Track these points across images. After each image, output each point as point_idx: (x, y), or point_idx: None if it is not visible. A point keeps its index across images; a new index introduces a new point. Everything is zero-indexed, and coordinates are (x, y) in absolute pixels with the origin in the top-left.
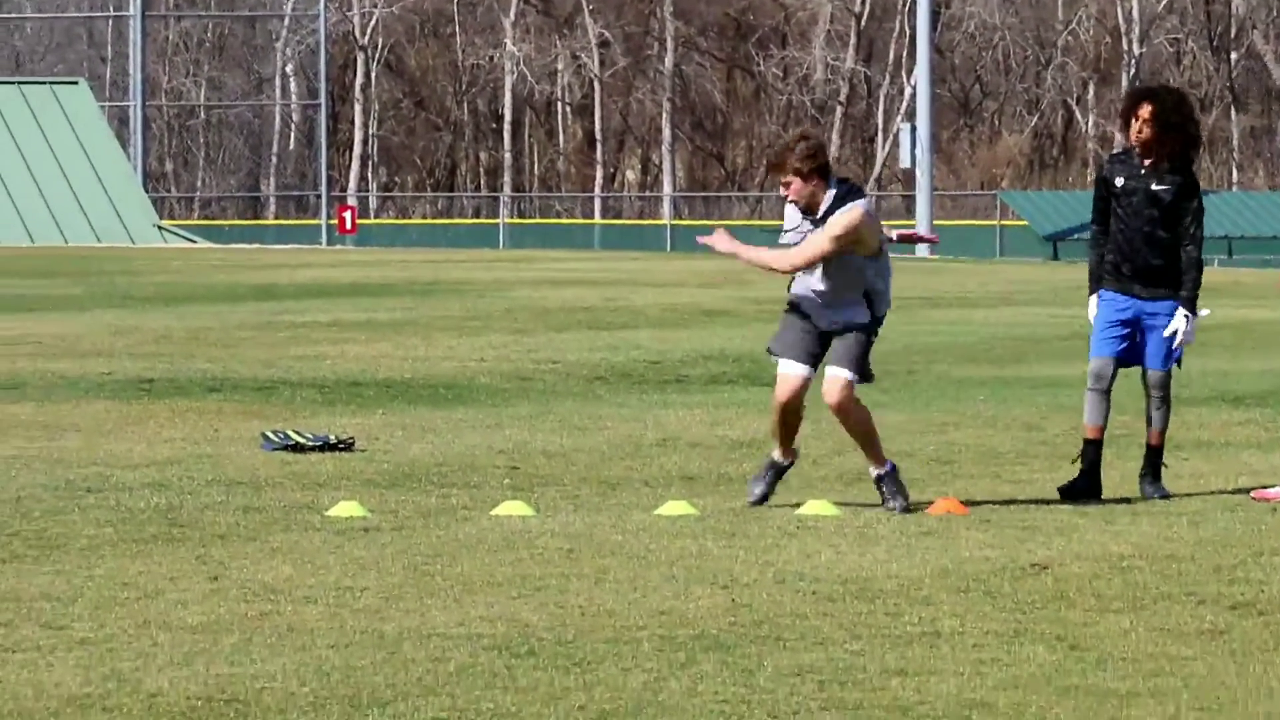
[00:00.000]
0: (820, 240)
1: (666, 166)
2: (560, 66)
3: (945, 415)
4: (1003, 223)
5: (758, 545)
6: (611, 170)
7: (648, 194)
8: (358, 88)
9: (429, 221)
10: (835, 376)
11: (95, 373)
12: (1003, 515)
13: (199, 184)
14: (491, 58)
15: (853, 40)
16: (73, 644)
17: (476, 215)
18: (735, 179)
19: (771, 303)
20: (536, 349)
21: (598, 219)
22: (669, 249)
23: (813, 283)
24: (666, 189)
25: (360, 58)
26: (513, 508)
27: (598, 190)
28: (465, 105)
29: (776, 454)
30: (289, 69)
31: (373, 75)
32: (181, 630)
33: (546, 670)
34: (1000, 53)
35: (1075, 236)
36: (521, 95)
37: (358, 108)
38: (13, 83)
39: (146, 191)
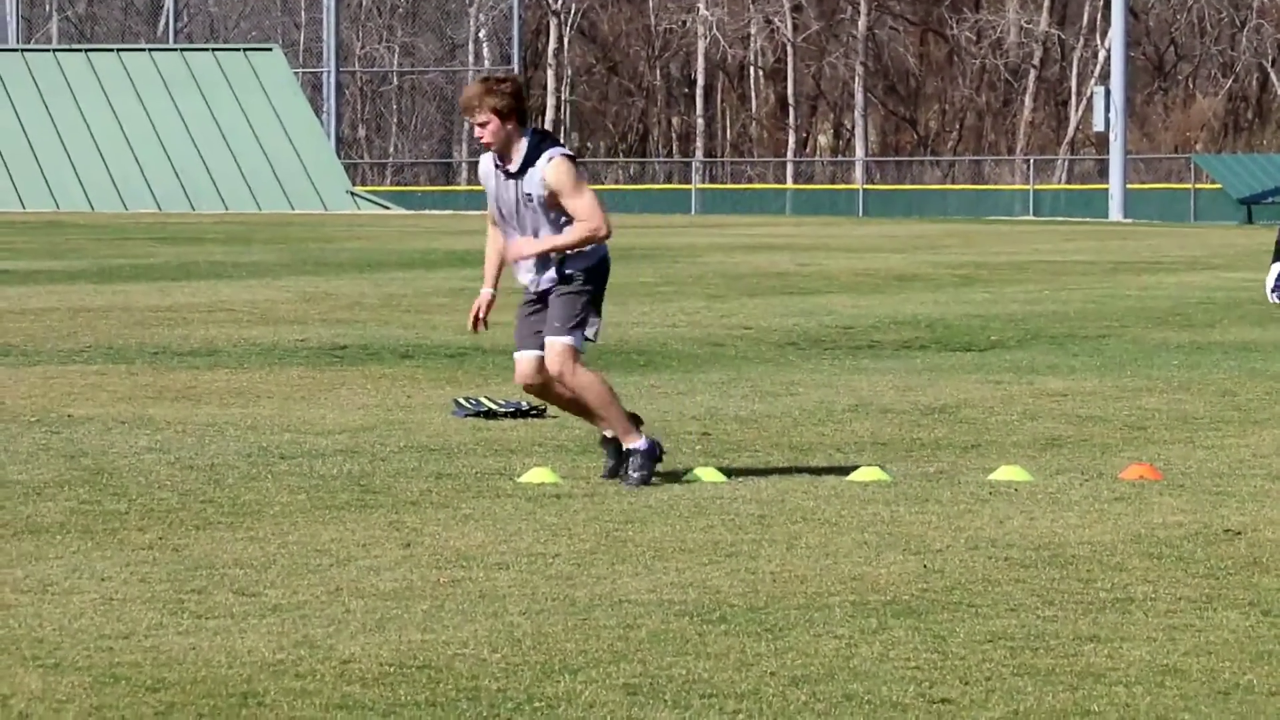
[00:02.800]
0: (584, 196)
1: (859, 131)
2: (753, 30)
3: (1138, 380)
4: (1197, 186)
5: (950, 511)
6: (803, 135)
7: (840, 159)
8: (550, 53)
9: (621, 187)
10: (550, 344)
11: (289, 340)
12: (1196, 481)
13: (391, 150)
14: (684, 22)
15: (1046, 3)
16: (265, 610)
17: (668, 180)
18: (928, 143)
19: (964, 266)
20: (729, 314)
21: (789, 184)
22: (861, 214)
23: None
24: (859, 153)
25: (553, 22)
26: (705, 473)
27: (790, 155)
28: (658, 70)
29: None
30: (482, 34)
31: (565, 40)
32: (373, 597)
33: (738, 636)
34: (1195, 15)
35: (1270, 200)
36: (714, 59)
37: (550, 73)
38: (207, 49)
39: (339, 158)
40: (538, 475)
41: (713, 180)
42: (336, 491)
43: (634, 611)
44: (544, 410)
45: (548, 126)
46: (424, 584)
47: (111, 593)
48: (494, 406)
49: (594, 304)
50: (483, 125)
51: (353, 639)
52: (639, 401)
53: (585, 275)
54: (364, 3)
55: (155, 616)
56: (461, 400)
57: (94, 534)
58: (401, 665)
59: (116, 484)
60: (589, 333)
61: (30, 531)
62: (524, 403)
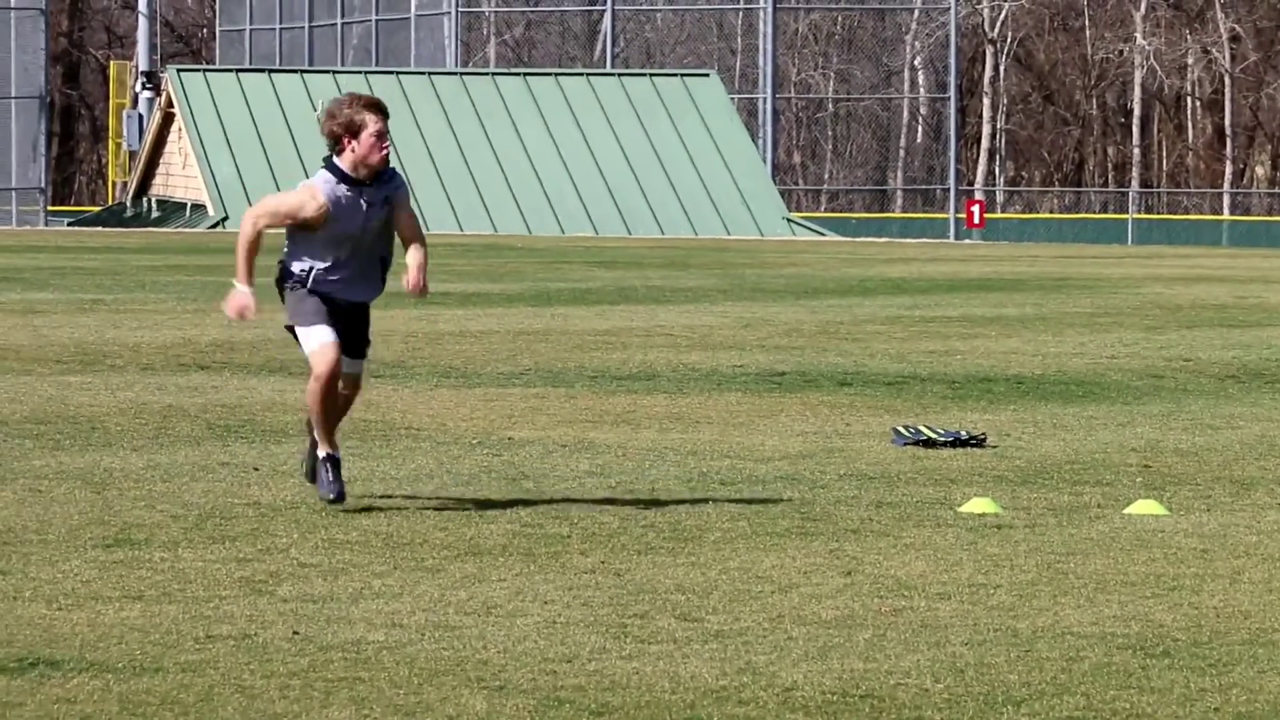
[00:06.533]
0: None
1: None
2: (1190, 60)
3: None
4: None
5: None
6: (1241, 166)
7: (1277, 190)
8: (986, 81)
9: (1056, 216)
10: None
11: (727, 365)
12: None
13: (826, 176)
14: (1121, 51)
15: None
16: (708, 636)
17: (1104, 210)
18: None
19: None
20: (1168, 346)
21: (1226, 215)
22: None
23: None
24: None
25: (989, 50)
26: (1146, 506)
27: (1226, 186)
28: (1094, 99)
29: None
30: (918, 62)
31: (1001, 68)
32: (815, 625)
33: (1181, 671)
34: None
35: None
36: (1150, 89)
37: (986, 101)
38: (644, 74)
39: (775, 184)
40: (979, 505)
41: (1148, 210)
42: (777, 518)
43: (1076, 644)
44: (984, 439)
45: (982, 154)
46: (866, 612)
47: (555, 616)
48: (933, 435)
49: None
50: (385, 136)
51: (795, 666)
52: (1078, 432)
53: None
54: (800, 30)
55: (598, 640)
56: (901, 428)
57: (536, 557)
58: (844, 694)
59: (558, 508)
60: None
61: (473, 553)
62: (963, 432)
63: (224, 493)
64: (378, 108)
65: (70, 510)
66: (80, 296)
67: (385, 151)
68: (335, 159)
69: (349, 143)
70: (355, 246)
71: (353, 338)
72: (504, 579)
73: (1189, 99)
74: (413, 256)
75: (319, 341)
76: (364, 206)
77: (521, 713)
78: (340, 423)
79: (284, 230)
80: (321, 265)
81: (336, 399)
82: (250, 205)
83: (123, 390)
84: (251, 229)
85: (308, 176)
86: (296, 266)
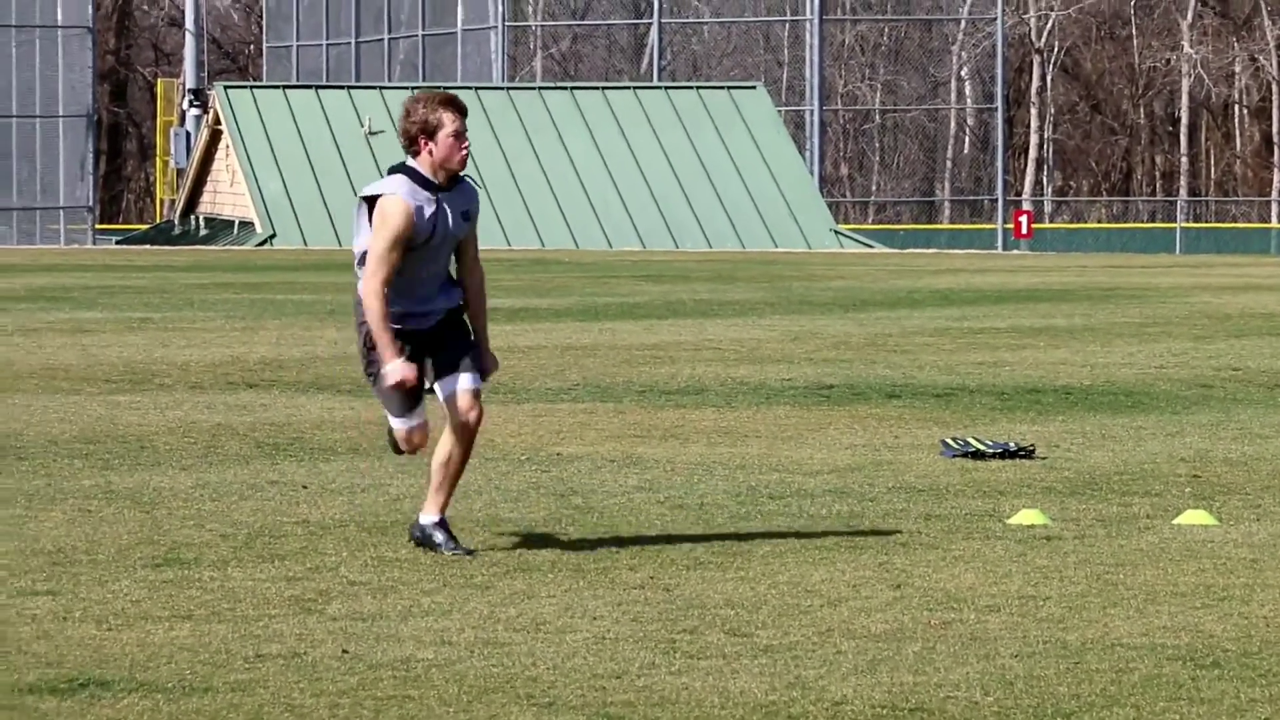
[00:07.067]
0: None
1: None
2: (1237, 69)
3: None
4: None
5: None
6: None
7: None
8: (1033, 91)
9: (1104, 226)
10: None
11: (775, 378)
12: None
13: (874, 188)
14: (1168, 60)
15: None
16: (757, 651)
17: (1152, 219)
18: None
19: None
20: (1216, 355)
21: (1274, 223)
22: None
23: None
24: None
25: (1036, 60)
26: (1195, 517)
27: (1274, 194)
28: (1141, 108)
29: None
30: (964, 72)
31: (1048, 78)
32: (865, 638)
33: (1231, 682)
34: None
35: None
36: (1198, 98)
37: (1033, 111)
38: (692, 87)
39: (822, 195)
40: (1027, 517)
41: (1196, 219)
42: (825, 531)
43: (1126, 655)
44: (1032, 451)
45: (1030, 164)
46: (915, 625)
47: (604, 632)
48: (982, 447)
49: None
50: (464, 136)
51: (844, 680)
52: (1126, 442)
53: None
54: (847, 41)
55: (648, 656)
56: (949, 440)
57: (585, 573)
58: (894, 707)
59: (607, 523)
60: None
61: (522, 570)
62: (1012, 443)
63: (273, 511)
64: (455, 105)
65: (119, 530)
66: (129, 315)
67: (465, 152)
68: (411, 162)
69: (425, 144)
70: (434, 259)
71: (453, 352)
72: (553, 595)
73: (1236, 107)
74: (475, 317)
75: (404, 427)
76: (449, 216)
77: None
78: (461, 471)
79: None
80: (399, 298)
81: (449, 451)
82: (360, 248)
83: (171, 409)
84: (377, 300)
85: (355, 192)
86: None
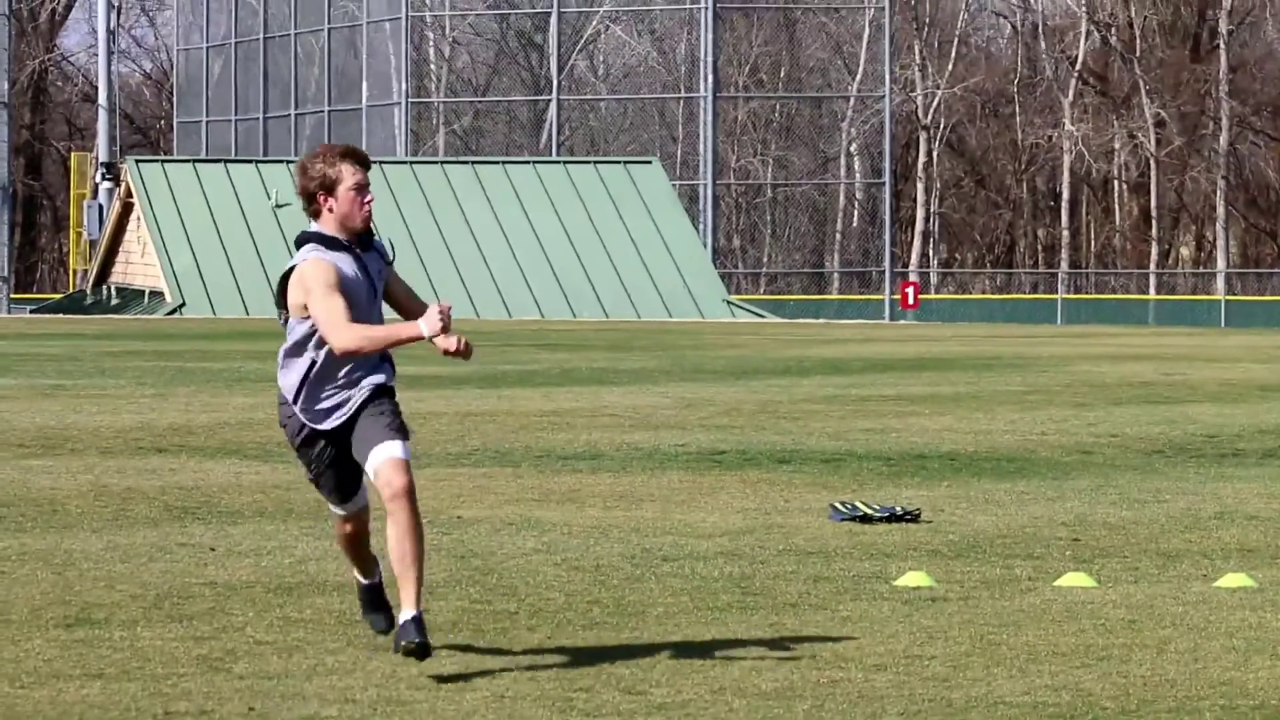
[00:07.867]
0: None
1: (1220, 243)
2: (1117, 145)
3: None
4: None
5: None
6: (1166, 246)
7: (1201, 270)
8: (920, 166)
9: (988, 297)
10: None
11: (669, 444)
12: None
13: (765, 260)
14: (1050, 137)
15: None
16: (651, 709)
17: (1034, 290)
18: None
19: None
20: (1096, 422)
21: (1152, 294)
22: (1223, 325)
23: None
24: (1220, 265)
25: (923, 136)
26: (1075, 579)
27: (1152, 267)
28: (1024, 183)
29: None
30: (853, 148)
31: (935, 154)
32: (755, 696)
33: None
34: None
35: None
36: (1079, 173)
37: (920, 185)
38: (589, 162)
39: (715, 267)
40: (913, 579)
41: (1077, 290)
42: (718, 593)
43: (1009, 714)
44: (918, 515)
45: (916, 237)
46: (804, 684)
47: (503, 690)
48: (869, 511)
49: None
50: (367, 189)
51: None
52: (1009, 507)
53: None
54: (739, 117)
55: (545, 714)
56: (838, 504)
57: (485, 632)
58: None
59: (506, 584)
60: None
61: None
62: (898, 508)
63: (181, 573)
64: (356, 157)
65: (32, 590)
66: (42, 382)
67: (368, 208)
68: (315, 225)
69: (325, 200)
70: (365, 320)
71: (375, 420)
72: (453, 655)
73: (1116, 182)
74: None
75: (343, 514)
76: (368, 275)
77: None
78: (418, 553)
79: (279, 355)
80: (330, 386)
81: (396, 539)
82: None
83: (83, 473)
84: (360, 332)
85: (263, 265)
86: (288, 388)
